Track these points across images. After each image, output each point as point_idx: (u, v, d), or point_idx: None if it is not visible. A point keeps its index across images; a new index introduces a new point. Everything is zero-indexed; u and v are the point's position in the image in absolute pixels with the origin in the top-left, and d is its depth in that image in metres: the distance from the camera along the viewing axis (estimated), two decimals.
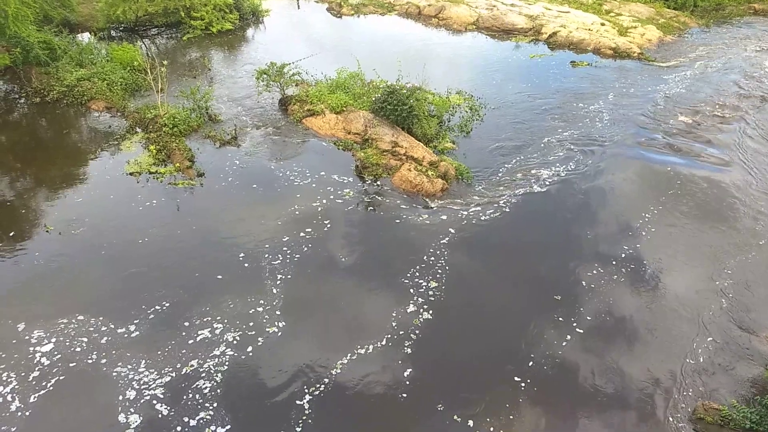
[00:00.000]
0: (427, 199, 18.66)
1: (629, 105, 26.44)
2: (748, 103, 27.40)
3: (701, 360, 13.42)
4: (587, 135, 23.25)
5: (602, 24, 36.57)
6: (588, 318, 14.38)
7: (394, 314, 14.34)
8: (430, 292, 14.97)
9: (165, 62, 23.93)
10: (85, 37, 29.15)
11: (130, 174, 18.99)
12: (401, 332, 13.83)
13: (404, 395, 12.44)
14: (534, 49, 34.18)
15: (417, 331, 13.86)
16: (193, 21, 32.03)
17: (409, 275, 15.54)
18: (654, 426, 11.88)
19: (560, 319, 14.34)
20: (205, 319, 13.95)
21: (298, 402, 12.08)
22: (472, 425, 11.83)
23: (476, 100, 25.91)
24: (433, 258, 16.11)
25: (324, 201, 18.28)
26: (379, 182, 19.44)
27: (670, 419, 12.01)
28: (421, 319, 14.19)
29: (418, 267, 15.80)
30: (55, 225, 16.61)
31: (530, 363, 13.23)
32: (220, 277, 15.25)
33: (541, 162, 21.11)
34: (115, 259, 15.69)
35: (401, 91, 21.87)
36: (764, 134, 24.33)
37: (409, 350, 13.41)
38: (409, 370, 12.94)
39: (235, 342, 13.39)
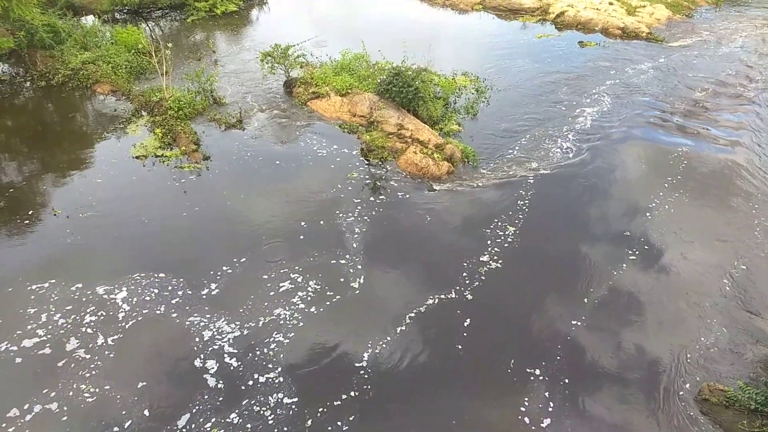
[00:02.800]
0: (432, 182, 18.62)
1: (636, 86, 26.20)
2: (757, 84, 27.11)
3: (707, 340, 13.42)
4: (593, 118, 23.10)
5: (610, 3, 36.10)
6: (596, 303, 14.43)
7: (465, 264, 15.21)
8: (509, 238, 16.21)
9: (169, 45, 23.77)
10: (89, 20, 29.00)
11: (137, 157, 18.99)
12: (467, 281, 14.63)
13: (460, 346, 12.94)
14: (541, 29, 33.84)
15: (483, 277, 14.79)
16: (197, 2, 31.84)
17: (492, 226, 16.64)
18: (659, 408, 11.92)
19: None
20: (282, 271, 14.63)
21: (357, 364, 12.39)
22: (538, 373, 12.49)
23: (482, 81, 25.72)
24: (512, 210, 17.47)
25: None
26: (384, 165, 19.38)
27: (676, 400, 12.04)
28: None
29: (500, 217, 16.98)
30: (77, 207, 16.60)
31: (585, 300, 14.35)
32: (302, 237, 15.86)
33: (547, 144, 21.00)
34: (161, 229, 16.03)
35: (407, 73, 21.69)
36: None
37: (470, 296, 14.21)
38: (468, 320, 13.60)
39: (312, 296, 14.01)
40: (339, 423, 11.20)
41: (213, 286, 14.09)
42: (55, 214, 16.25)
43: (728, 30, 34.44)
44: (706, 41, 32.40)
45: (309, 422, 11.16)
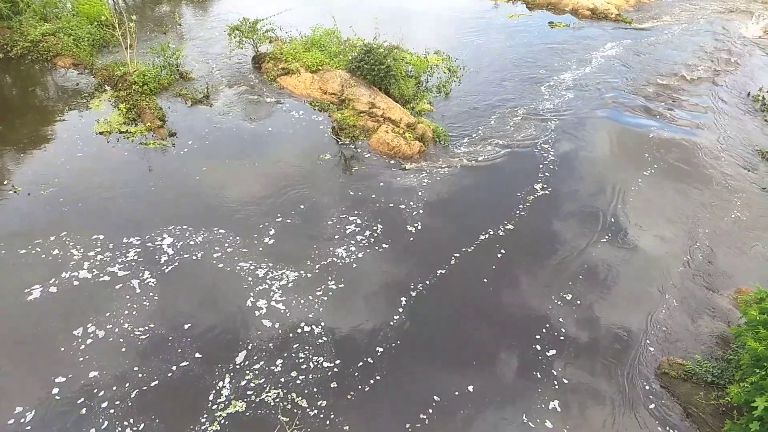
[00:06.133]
0: (403, 162, 18.60)
1: (603, 69, 26.49)
2: (721, 66, 27.69)
3: (667, 317, 13.85)
4: (562, 100, 23.32)
5: None
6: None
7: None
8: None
9: (134, 17, 23.05)
10: None
11: (100, 133, 18.48)
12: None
13: (485, 280, 14.42)
14: (512, 9, 33.86)
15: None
16: None
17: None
18: (620, 381, 12.30)
19: None
20: (342, 216, 16.00)
21: (395, 317, 13.21)
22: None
23: (454, 60, 25.66)
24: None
25: None
26: (355, 144, 19.27)
27: (636, 374, 12.45)
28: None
29: None
30: (50, 181, 16.11)
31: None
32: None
33: (516, 123, 21.16)
34: (179, 191, 16.53)
35: (378, 50, 21.49)
36: (735, 96, 24.68)
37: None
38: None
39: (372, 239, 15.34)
40: (371, 381, 11.72)
41: (272, 232, 15.15)
42: (15, 191, 15.75)
43: (696, 12, 34.96)
44: (674, 23, 32.86)
45: (334, 384, 11.63)
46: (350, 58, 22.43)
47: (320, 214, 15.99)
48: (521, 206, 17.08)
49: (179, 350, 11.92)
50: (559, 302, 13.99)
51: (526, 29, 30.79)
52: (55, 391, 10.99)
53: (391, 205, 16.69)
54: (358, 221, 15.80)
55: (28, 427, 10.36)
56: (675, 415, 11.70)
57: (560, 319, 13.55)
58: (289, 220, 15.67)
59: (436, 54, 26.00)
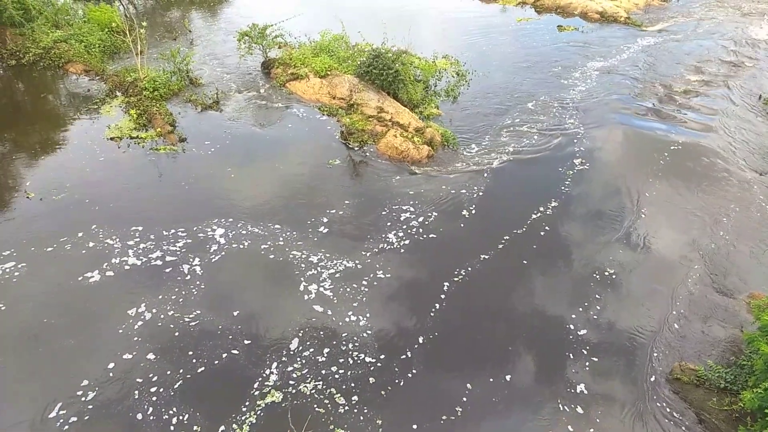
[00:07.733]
0: (413, 166, 18.60)
1: (613, 72, 26.39)
2: (731, 69, 27.52)
3: (680, 321, 13.74)
4: (571, 104, 23.24)
5: None
6: None
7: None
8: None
9: (144, 23, 23.24)
10: None
11: (111, 139, 18.62)
12: None
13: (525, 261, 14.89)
14: (521, 13, 33.87)
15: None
16: None
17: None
18: (632, 386, 12.21)
19: None
20: (395, 207, 16.51)
21: (436, 305, 13.47)
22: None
23: (462, 64, 25.66)
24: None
25: None
26: (364, 149, 19.29)
27: (648, 379, 12.34)
28: None
29: None
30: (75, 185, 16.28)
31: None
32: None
33: (524, 129, 21.13)
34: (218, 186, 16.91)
35: (387, 55, 21.53)
36: (747, 100, 24.51)
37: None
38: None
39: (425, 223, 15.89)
40: (409, 375, 11.82)
41: (325, 219, 15.66)
42: (28, 197, 15.87)
43: (704, 15, 34.80)
44: (683, 26, 32.72)
45: (372, 380, 11.70)
46: (359, 62, 22.49)
47: (370, 206, 16.42)
48: (567, 182, 18.01)
49: (230, 337, 12.22)
50: (598, 276, 14.62)
51: (534, 33, 30.76)
52: (111, 366, 11.43)
53: (452, 191, 17.30)
54: (412, 209, 16.27)
55: (90, 406, 10.72)
56: (687, 421, 11.58)
57: (597, 296, 14.05)
58: (341, 212, 16.05)
59: (445, 58, 26.01)
